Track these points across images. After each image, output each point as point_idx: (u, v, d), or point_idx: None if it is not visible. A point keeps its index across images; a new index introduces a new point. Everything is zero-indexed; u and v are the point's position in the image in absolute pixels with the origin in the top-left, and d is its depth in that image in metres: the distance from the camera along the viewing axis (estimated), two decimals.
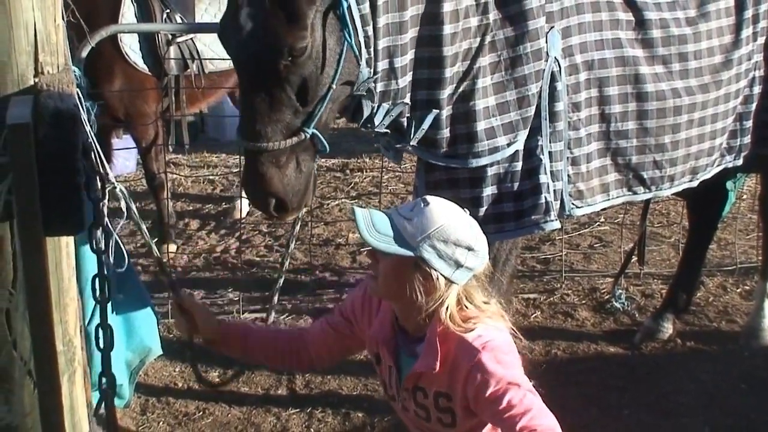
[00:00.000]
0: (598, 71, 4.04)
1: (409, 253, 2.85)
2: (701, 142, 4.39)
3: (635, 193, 4.33)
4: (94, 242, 2.18)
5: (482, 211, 3.84)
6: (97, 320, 2.29)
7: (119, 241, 2.50)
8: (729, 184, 5.49)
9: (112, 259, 2.37)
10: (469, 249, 2.85)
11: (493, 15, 3.74)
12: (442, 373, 2.91)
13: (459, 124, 3.76)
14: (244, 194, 7.42)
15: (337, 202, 7.94)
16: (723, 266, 6.59)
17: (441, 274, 2.85)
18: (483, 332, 2.87)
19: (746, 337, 5.54)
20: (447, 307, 2.88)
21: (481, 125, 3.75)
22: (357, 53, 3.40)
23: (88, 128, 2.16)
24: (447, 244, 2.83)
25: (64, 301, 2.09)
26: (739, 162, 4.72)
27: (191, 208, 7.98)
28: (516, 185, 3.85)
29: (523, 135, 3.81)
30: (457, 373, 2.87)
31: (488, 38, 3.74)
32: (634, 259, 6.13)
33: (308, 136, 3.36)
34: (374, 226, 2.93)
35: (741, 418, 4.75)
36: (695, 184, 4.55)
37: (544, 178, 3.85)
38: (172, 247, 6.86)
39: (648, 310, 5.93)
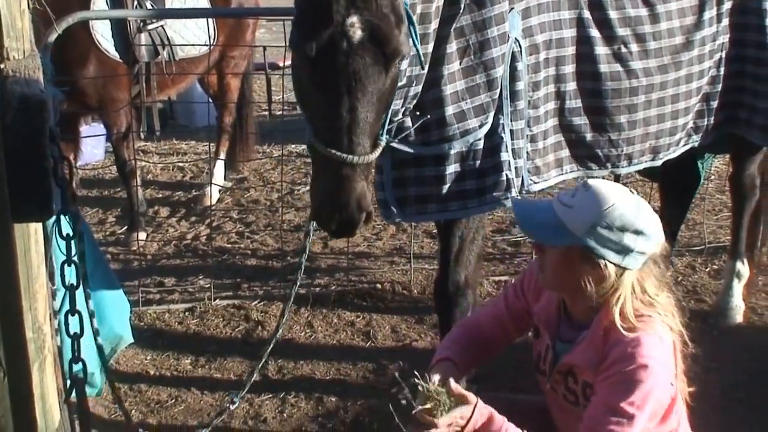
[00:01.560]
0: (556, 50, 4.10)
1: (574, 243, 2.80)
2: (661, 122, 4.44)
3: (589, 168, 4.38)
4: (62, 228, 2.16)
5: (446, 188, 3.88)
6: (66, 307, 2.28)
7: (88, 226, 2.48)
8: (698, 164, 5.54)
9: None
10: (638, 233, 2.76)
11: (464, 2, 3.76)
12: (598, 365, 2.88)
13: (428, 110, 3.77)
14: (214, 181, 7.44)
15: (307, 188, 7.90)
16: (692, 246, 6.65)
17: (610, 262, 2.79)
18: (647, 342, 2.78)
19: (715, 316, 5.59)
20: (619, 297, 2.81)
21: (449, 110, 3.78)
22: (419, 51, 3.35)
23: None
24: (613, 231, 2.75)
25: (33, 288, 2.08)
26: (707, 141, 4.76)
27: (161, 195, 7.95)
28: (478, 163, 3.88)
29: (492, 116, 3.84)
30: (605, 373, 2.84)
31: (455, 25, 3.75)
32: None
33: (383, 145, 3.26)
34: (534, 218, 2.90)
35: (711, 398, 4.78)
36: (658, 163, 4.60)
37: (505, 156, 3.89)
38: (142, 235, 6.83)
39: None
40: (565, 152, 4.29)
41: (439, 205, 3.93)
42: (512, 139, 3.94)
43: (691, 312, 5.59)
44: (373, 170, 3.34)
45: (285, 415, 4.72)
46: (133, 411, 4.72)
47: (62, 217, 2.15)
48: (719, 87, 4.65)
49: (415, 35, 3.30)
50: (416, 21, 3.43)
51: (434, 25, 3.66)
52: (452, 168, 3.87)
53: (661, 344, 2.83)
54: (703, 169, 5.71)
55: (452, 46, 3.76)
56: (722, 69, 4.63)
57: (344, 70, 2.99)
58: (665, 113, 4.45)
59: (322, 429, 4.55)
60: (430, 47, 3.65)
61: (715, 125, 4.73)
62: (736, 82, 4.69)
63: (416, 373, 3.03)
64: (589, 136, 4.28)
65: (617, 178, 6.04)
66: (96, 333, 3.36)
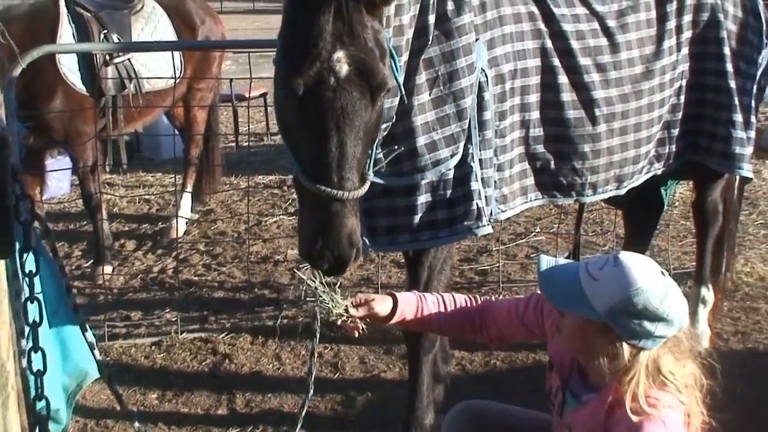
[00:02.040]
0: (521, 80, 4.14)
1: (593, 317, 2.75)
2: (624, 150, 4.48)
3: (554, 196, 4.43)
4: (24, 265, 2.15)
5: (417, 218, 3.89)
6: (30, 344, 2.26)
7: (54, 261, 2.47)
8: (661, 191, 5.59)
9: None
10: (660, 319, 2.69)
11: (432, 34, 3.80)
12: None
13: (400, 141, 3.79)
14: (181, 213, 7.43)
15: (274, 219, 7.93)
16: None
17: (627, 343, 2.73)
18: (651, 427, 2.70)
19: None
20: (632, 377, 2.74)
21: (421, 140, 3.80)
22: (401, 88, 3.40)
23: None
24: (634, 315, 2.69)
25: None
26: (668, 169, 4.82)
27: (127, 228, 7.92)
28: (449, 192, 3.89)
29: (462, 145, 3.87)
30: None
31: (424, 56, 3.79)
32: None
33: (369, 181, 3.22)
34: (557, 282, 2.84)
35: None
36: (623, 191, 4.65)
37: (475, 185, 3.91)
38: (108, 269, 6.79)
39: None
40: (530, 180, 4.33)
41: (410, 235, 3.93)
42: (481, 168, 3.96)
43: None
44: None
45: None
46: None
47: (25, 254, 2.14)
48: (680, 115, 4.71)
49: (396, 68, 3.33)
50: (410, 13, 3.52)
51: (404, 57, 3.70)
52: (423, 198, 3.89)
53: (663, 429, 2.73)
54: (667, 195, 5.77)
55: (421, 77, 3.79)
56: (682, 97, 4.70)
57: (332, 105, 2.96)
58: (628, 142, 4.50)
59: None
60: (401, 79, 3.68)
61: (676, 153, 4.79)
62: (696, 110, 4.75)
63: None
64: (553, 164, 4.32)
65: (582, 206, 6.12)
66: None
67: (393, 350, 5.60)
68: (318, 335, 3.95)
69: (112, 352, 5.62)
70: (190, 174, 7.95)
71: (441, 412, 4.42)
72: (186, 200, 7.91)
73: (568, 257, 6.15)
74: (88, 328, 3.98)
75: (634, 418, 2.72)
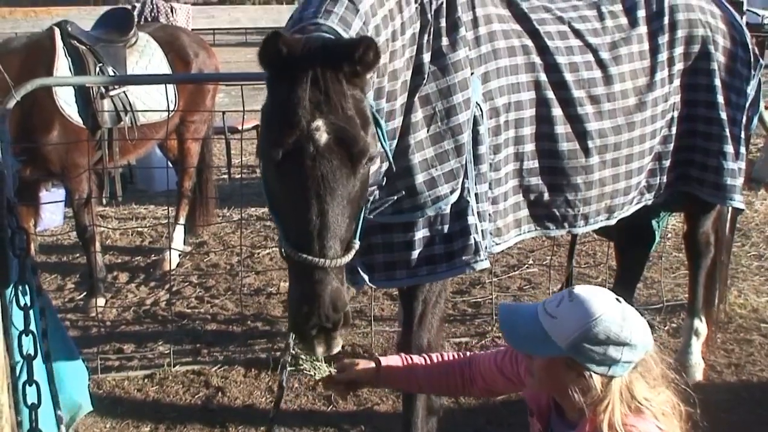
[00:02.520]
0: (515, 113, 4.15)
1: (558, 354, 2.77)
2: (616, 182, 4.51)
3: (547, 228, 4.44)
4: (19, 298, 2.15)
5: (415, 254, 3.89)
6: (24, 377, 2.26)
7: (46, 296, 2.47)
8: (654, 223, 5.62)
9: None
10: (623, 344, 2.70)
11: (428, 71, 3.82)
12: None
13: (398, 180, 3.79)
14: (173, 245, 7.42)
15: (267, 251, 7.93)
16: (650, 304, 6.69)
17: (595, 373, 2.74)
18: None
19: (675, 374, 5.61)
20: (606, 405, 2.74)
21: (420, 178, 3.80)
22: (388, 155, 3.43)
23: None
24: (597, 345, 2.70)
25: None
26: (659, 200, 4.84)
27: (120, 260, 7.91)
28: (446, 227, 3.89)
29: (461, 181, 3.88)
30: None
31: (420, 93, 3.80)
32: None
33: (357, 248, 3.16)
34: (518, 328, 2.87)
35: None
36: (613, 222, 4.66)
37: (472, 219, 3.91)
38: (101, 301, 6.78)
39: None
40: (524, 212, 4.34)
41: (407, 271, 3.93)
42: (477, 202, 3.96)
43: None
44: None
45: None
46: None
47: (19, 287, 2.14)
48: (671, 146, 4.74)
49: (383, 135, 3.31)
50: (384, 99, 3.50)
51: (401, 100, 3.71)
52: (421, 233, 3.89)
53: None
54: (659, 227, 5.79)
55: (418, 115, 3.79)
56: (674, 128, 4.72)
57: (311, 174, 2.93)
58: (620, 173, 4.52)
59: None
60: (398, 121, 3.69)
61: (667, 184, 4.81)
62: (688, 141, 4.78)
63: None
64: (546, 196, 4.33)
65: (574, 238, 6.13)
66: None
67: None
68: (284, 387, 3.89)
69: (105, 385, 5.60)
70: (183, 206, 7.95)
71: None
72: (179, 232, 7.91)
73: (560, 289, 6.14)
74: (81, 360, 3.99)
75: None
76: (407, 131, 3.77)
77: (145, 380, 5.69)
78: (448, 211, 3.89)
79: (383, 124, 3.36)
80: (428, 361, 3.47)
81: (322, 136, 2.90)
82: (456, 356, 3.51)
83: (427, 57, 3.81)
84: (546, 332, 2.78)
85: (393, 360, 3.46)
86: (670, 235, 8.03)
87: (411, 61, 3.76)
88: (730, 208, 5.54)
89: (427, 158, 3.82)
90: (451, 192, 3.85)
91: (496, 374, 3.36)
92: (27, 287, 2.16)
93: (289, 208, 3.03)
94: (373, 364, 3.39)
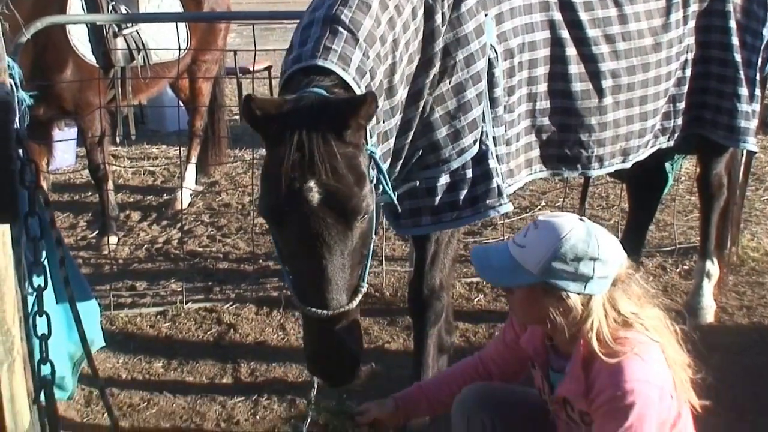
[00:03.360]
0: (529, 53, 4.11)
1: (532, 281, 2.83)
2: (630, 124, 4.47)
3: (559, 169, 4.42)
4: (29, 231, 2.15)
5: (437, 200, 3.89)
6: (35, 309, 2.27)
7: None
8: (667, 166, 5.59)
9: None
10: (593, 260, 2.76)
11: (442, 22, 3.78)
12: (585, 396, 2.88)
13: (419, 138, 3.80)
14: (185, 185, 7.44)
15: None
16: (662, 247, 6.69)
17: (572, 292, 2.80)
18: (628, 366, 2.76)
19: (686, 316, 5.62)
20: (592, 323, 2.80)
21: (443, 132, 3.80)
22: (393, 198, 3.46)
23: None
24: (567, 263, 2.77)
25: (1, 291, 2.07)
26: (673, 143, 4.80)
27: (132, 199, 7.92)
28: (468, 173, 3.88)
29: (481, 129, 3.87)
30: (594, 404, 2.84)
31: (437, 47, 3.76)
32: None
33: (364, 291, 3.24)
34: (491, 263, 2.93)
35: None
36: (628, 165, 4.63)
37: (492, 163, 3.90)
38: (114, 239, 6.80)
39: None
40: (535, 153, 4.31)
41: (432, 216, 3.93)
42: (495, 145, 3.96)
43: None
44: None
45: (258, 417, 4.71)
46: (105, 414, 4.70)
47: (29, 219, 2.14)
48: (685, 89, 4.69)
49: (386, 181, 3.37)
50: (403, 64, 3.55)
51: (402, 92, 3.68)
52: (442, 180, 3.88)
53: (643, 364, 2.80)
54: (673, 170, 5.76)
55: (434, 70, 3.76)
56: (688, 71, 4.68)
57: (306, 233, 3.01)
58: (633, 115, 4.48)
59: (295, 430, 4.54)
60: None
61: (681, 126, 4.77)
62: (702, 83, 4.73)
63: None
64: (558, 136, 4.30)
65: (587, 180, 6.10)
66: (83, 338, 3.39)
67: (397, 321, 5.61)
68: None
69: (118, 322, 5.64)
70: (195, 146, 7.94)
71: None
72: (190, 172, 7.91)
73: None
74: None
75: (611, 361, 2.78)
76: (421, 92, 3.75)
77: (158, 317, 5.73)
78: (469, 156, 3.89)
79: (383, 166, 3.38)
80: (441, 378, 3.54)
81: (315, 197, 2.95)
82: (466, 362, 3.57)
83: (438, 19, 3.76)
84: (518, 262, 2.85)
85: (408, 392, 3.49)
86: (683, 178, 8.00)
87: (419, 32, 3.73)
88: (744, 151, 5.51)
89: (450, 110, 3.80)
90: (474, 142, 3.84)
91: (505, 353, 3.41)
92: (37, 219, 2.16)
93: (291, 263, 3.17)
94: (391, 402, 3.43)
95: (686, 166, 7.69)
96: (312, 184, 2.94)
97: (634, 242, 5.78)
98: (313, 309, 3.05)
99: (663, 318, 2.96)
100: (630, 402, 2.76)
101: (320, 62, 3.23)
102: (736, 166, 5.67)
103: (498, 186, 3.90)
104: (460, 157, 3.83)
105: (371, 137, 3.29)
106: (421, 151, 3.82)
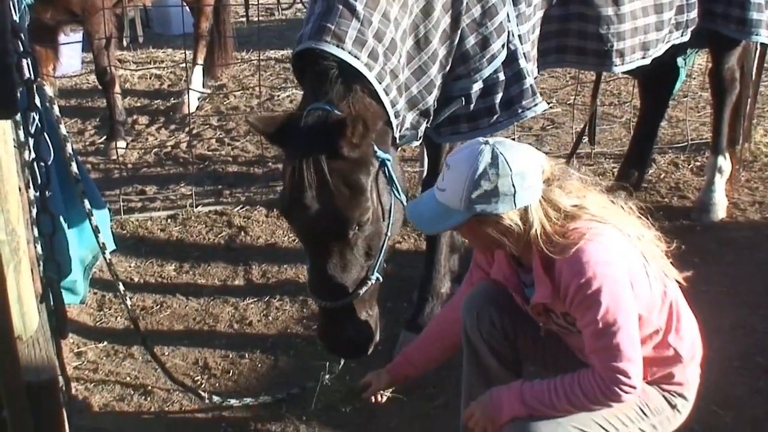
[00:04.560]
0: None
1: (464, 218, 2.86)
2: (646, 15, 4.40)
3: (576, 63, 4.47)
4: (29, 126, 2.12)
5: (473, 107, 3.88)
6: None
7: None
8: (680, 61, 5.50)
9: (50, 144, 2.31)
10: (510, 176, 2.79)
11: None
12: (557, 296, 2.91)
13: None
14: (193, 87, 7.36)
15: (287, 94, 7.84)
16: (674, 143, 6.63)
17: (505, 213, 2.83)
18: (584, 254, 2.79)
19: (698, 212, 5.60)
20: (536, 231, 2.84)
21: (471, 40, 3.76)
22: (403, 202, 3.56)
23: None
24: (485, 190, 2.79)
25: (4, 189, 2.04)
26: (686, 38, 4.72)
27: (139, 104, 7.86)
28: (500, 75, 3.86)
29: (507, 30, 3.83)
30: (567, 301, 2.87)
31: None
32: (586, 139, 6.13)
33: (373, 282, 3.53)
34: (423, 214, 2.99)
35: (693, 290, 4.83)
36: (648, 61, 4.56)
37: (523, 63, 3.87)
38: (122, 144, 6.77)
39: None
40: (552, 44, 4.28)
41: (469, 123, 3.93)
42: (521, 43, 3.91)
43: (674, 209, 5.67)
44: (368, 301, 3.60)
45: (270, 318, 4.74)
46: (118, 318, 4.74)
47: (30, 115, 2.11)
48: None
49: (397, 185, 3.51)
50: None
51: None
52: (476, 87, 3.87)
53: (599, 246, 2.83)
54: (685, 65, 5.67)
55: None
56: None
57: (310, 236, 3.43)
58: (648, 6, 4.40)
59: (307, 330, 4.57)
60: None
61: (694, 20, 4.68)
62: None
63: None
64: (575, 26, 4.26)
65: (599, 77, 6.01)
66: (96, 230, 3.41)
67: (406, 222, 5.59)
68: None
69: (128, 226, 5.64)
70: (201, 47, 7.83)
71: (456, 281, 4.44)
72: (197, 73, 7.81)
73: (584, 128, 6.07)
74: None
75: (567, 255, 2.81)
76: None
77: (168, 221, 5.73)
78: None
79: (394, 172, 3.53)
80: (421, 343, 3.61)
81: (313, 207, 3.28)
82: (443, 316, 3.66)
83: None
84: (444, 205, 2.90)
85: (396, 363, 3.64)
86: (695, 74, 7.89)
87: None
88: (757, 45, 5.42)
89: (476, 17, 3.76)
90: (503, 46, 3.82)
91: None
92: (39, 115, 2.12)
93: (306, 256, 3.57)
94: (385, 375, 3.60)
95: (699, 61, 7.57)
96: (310, 195, 3.26)
97: (645, 138, 5.74)
98: (319, 300, 3.49)
99: (608, 200, 3.00)
100: (597, 287, 2.78)
101: (313, 44, 3.41)
102: (749, 60, 5.58)
103: (531, 86, 3.90)
104: (491, 64, 3.81)
105: (383, 144, 3.50)
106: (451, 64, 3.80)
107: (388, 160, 3.47)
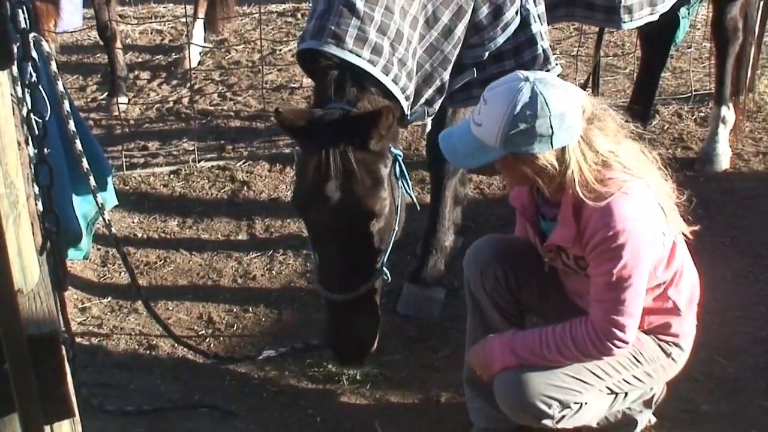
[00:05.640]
0: None
1: (499, 155, 2.84)
2: None
3: (581, 17, 4.42)
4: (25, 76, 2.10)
5: (486, 73, 3.86)
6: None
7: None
8: (683, 11, 5.45)
9: (46, 96, 2.30)
10: (549, 117, 2.75)
11: None
12: (579, 241, 2.92)
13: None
14: (194, 41, 7.31)
15: (289, 48, 7.79)
16: (678, 94, 6.60)
17: (540, 153, 2.80)
18: (617, 206, 2.81)
19: (702, 163, 5.60)
20: (573, 172, 2.82)
21: (484, 11, 3.75)
22: (413, 199, 3.63)
23: None
24: (523, 130, 2.76)
25: (2, 143, 2.03)
26: None
27: (141, 59, 7.80)
28: (513, 40, 3.85)
29: None
30: (588, 248, 2.88)
31: None
32: (589, 90, 6.09)
33: (382, 275, 3.53)
34: (457, 149, 2.96)
35: (697, 242, 4.83)
36: (655, 17, 4.53)
37: (536, 27, 3.85)
38: (123, 100, 6.74)
39: None
40: None
41: (481, 89, 3.88)
42: (535, 5, 3.89)
43: (678, 160, 5.65)
44: (374, 295, 3.60)
45: (273, 272, 4.76)
46: (122, 273, 4.75)
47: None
48: None
49: (406, 182, 3.54)
50: None
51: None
52: (489, 54, 3.87)
53: (632, 202, 2.84)
54: (689, 15, 5.62)
55: None
56: None
57: (324, 227, 3.40)
58: None
59: (310, 284, 4.58)
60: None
61: None
62: None
63: None
64: None
65: (602, 28, 5.96)
66: (94, 192, 3.40)
67: (410, 175, 5.58)
68: None
69: (131, 182, 5.64)
70: (202, 2, 7.75)
71: (460, 234, 4.45)
72: (198, 28, 7.74)
73: (587, 80, 6.03)
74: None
75: (600, 204, 2.81)
76: None
77: (171, 176, 5.73)
78: None
79: (404, 168, 3.56)
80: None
81: (333, 197, 3.28)
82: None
83: None
84: (480, 140, 2.86)
85: None
86: (699, 25, 7.82)
87: None
88: None
89: None
90: (516, 12, 3.80)
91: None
92: (37, 66, 2.10)
93: (315, 249, 3.54)
94: None
95: (702, 12, 7.51)
96: (332, 185, 3.26)
97: (647, 89, 5.71)
98: (327, 292, 3.45)
99: (640, 150, 3.00)
100: (623, 241, 2.80)
101: (315, 45, 3.46)
102: (752, 9, 5.54)
103: (544, 50, 3.88)
104: (505, 32, 3.80)
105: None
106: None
107: (400, 155, 3.48)
